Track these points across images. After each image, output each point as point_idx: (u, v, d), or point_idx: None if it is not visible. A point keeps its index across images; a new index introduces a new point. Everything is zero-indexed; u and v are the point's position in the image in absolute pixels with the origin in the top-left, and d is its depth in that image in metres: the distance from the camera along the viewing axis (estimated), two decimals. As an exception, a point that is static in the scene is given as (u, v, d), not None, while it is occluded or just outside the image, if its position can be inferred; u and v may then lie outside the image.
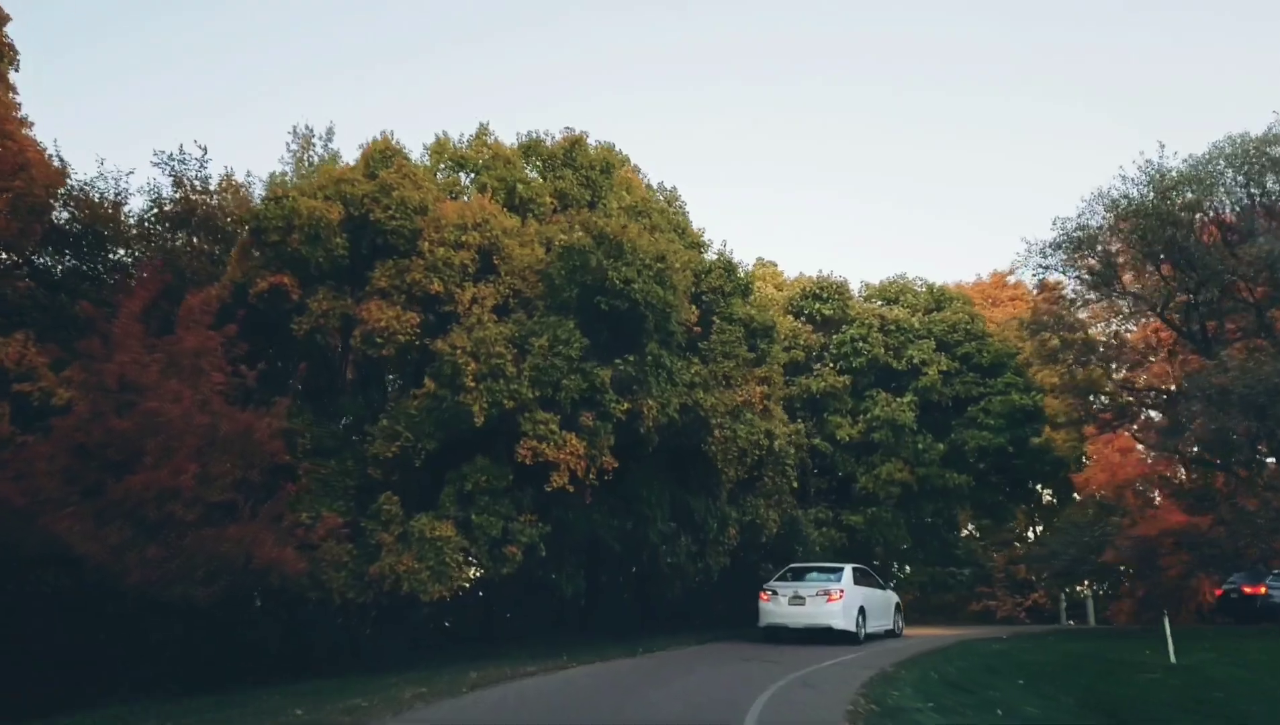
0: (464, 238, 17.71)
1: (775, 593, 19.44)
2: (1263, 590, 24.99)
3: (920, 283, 32.54)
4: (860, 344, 29.77)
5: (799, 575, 20.29)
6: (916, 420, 29.65)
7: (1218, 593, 26.56)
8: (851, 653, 17.51)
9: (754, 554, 26.53)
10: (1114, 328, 28.93)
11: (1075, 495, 41.13)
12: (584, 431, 16.84)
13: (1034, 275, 27.54)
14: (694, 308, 19.74)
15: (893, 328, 30.23)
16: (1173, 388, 27.03)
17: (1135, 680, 13.78)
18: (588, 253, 17.18)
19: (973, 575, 34.62)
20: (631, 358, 17.44)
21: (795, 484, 26.06)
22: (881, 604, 21.50)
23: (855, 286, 32.32)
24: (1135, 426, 29.07)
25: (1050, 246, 26.64)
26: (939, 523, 33.52)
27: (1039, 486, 33.45)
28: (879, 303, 32.04)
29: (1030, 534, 39.75)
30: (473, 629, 23.69)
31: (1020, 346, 30.88)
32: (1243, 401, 20.50)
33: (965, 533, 37.28)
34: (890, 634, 21.75)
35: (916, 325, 30.59)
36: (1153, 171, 24.90)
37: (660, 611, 25.17)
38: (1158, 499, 30.63)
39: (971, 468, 31.37)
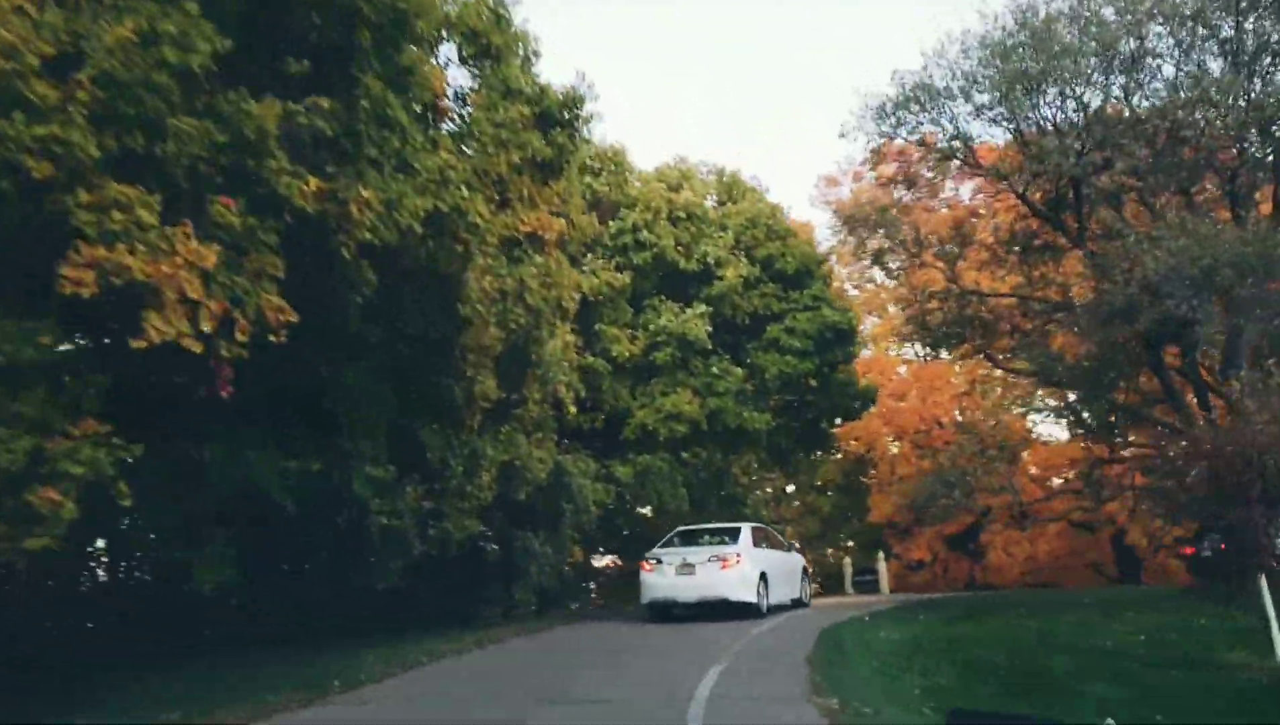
0: None
1: (659, 561, 16.73)
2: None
3: (707, 169, 25.53)
4: (644, 234, 22.27)
5: (688, 539, 17.77)
6: (710, 338, 22.73)
7: (1187, 551, 20.97)
8: (755, 629, 14.28)
9: (510, 513, 18.32)
10: (968, 218, 23.34)
11: (839, 451, 36.57)
12: (217, 231, 7.91)
13: (868, 144, 21.25)
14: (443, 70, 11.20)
15: (683, 216, 22.95)
16: (1039, 296, 21.71)
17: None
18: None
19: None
20: (330, 101, 8.65)
21: (573, 410, 18.24)
22: (786, 569, 18.60)
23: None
24: (992, 349, 23.51)
25: (890, 106, 20.42)
26: (724, 477, 26.98)
27: (838, 426, 27.78)
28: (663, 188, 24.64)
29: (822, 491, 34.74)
30: None
31: (837, 250, 24.78)
32: (1199, 280, 14.91)
33: (753, 488, 30.93)
34: (798, 604, 18.96)
35: (712, 215, 23.53)
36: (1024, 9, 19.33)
37: (370, 607, 16.28)
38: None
39: (770, 403, 25.01)
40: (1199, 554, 16.98)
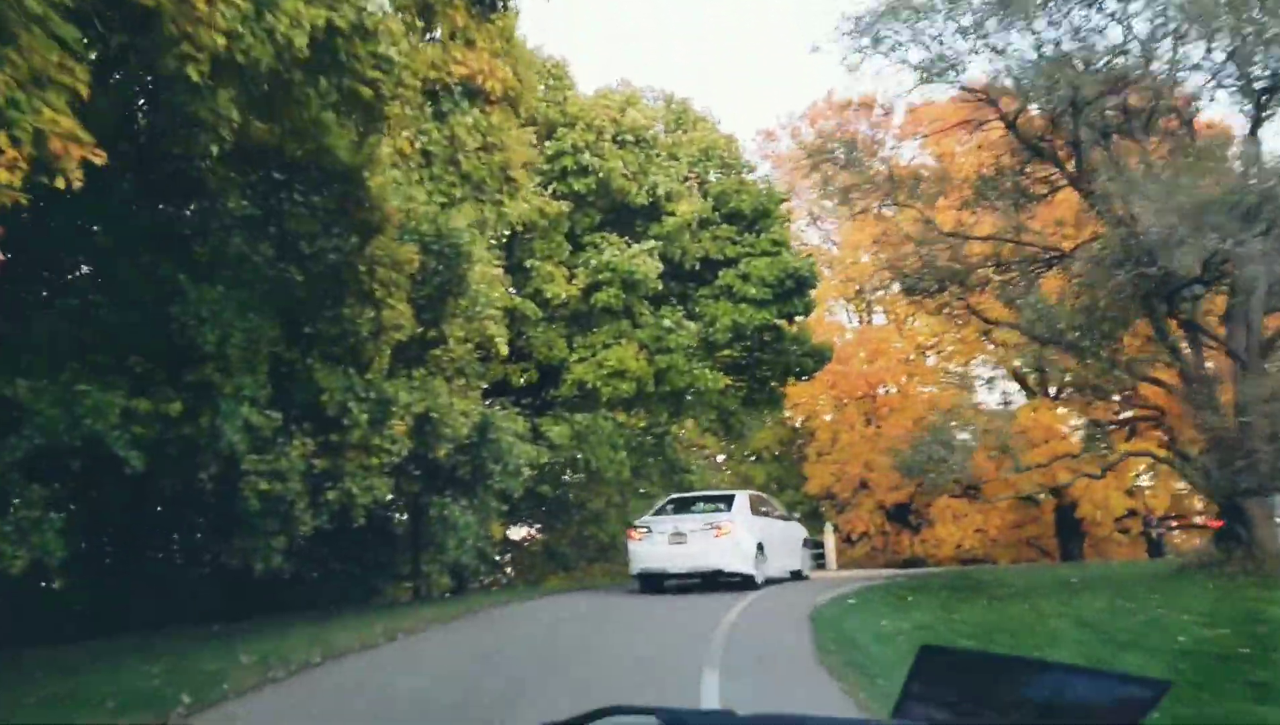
0: None
1: (649, 529, 15.87)
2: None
3: (654, 94, 22.58)
4: (586, 157, 19.27)
5: (681, 507, 17.00)
6: (660, 282, 19.97)
7: (1213, 524, 18.66)
8: (731, 614, 12.20)
9: (426, 475, 15.38)
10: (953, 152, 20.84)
11: (788, 414, 34.27)
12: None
13: (843, 59, 18.52)
14: None
15: (630, 139, 20.00)
16: (1030, 241, 19.33)
17: None
18: None
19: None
20: None
21: (504, 351, 15.36)
22: (785, 539, 17.61)
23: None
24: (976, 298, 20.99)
25: (868, 20, 17.76)
26: (665, 441, 24.34)
27: (788, 386, 25.31)
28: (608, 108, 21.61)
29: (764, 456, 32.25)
30: None
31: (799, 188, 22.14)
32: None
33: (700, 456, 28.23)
34: (797, 576, 18.11)
35: (662, 142, 20.65)
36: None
37: (251, 588, 13.19)
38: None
39: (719, 358, 22.46)
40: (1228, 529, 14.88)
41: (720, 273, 21.40)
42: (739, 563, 15.35)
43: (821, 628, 11.03)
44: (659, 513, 16.74)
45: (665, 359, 19.78)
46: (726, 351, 23.30)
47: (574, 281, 19.54)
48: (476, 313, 14.76)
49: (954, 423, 15.63)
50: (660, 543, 15.52)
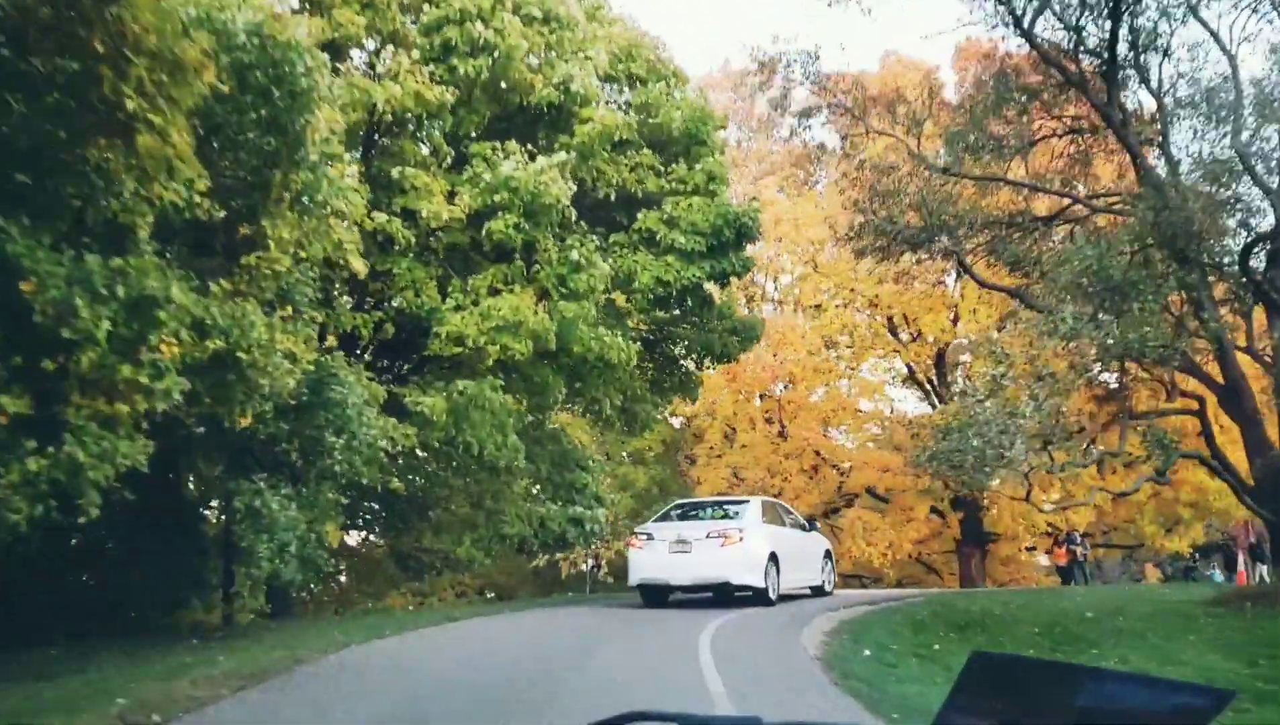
0: None
1: (650, 537, 14.32)
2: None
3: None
4: (478, 29, 14.20)
5: (687, 513, 15.58)
6: (569, 212, 15.16)
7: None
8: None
9: (228, 447, 10.23)
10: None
11: (676, 416, 29.86)
12: None
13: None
14: None
15: (537, 14, 15.01)
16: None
17: None
18: None
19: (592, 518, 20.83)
20: None
21: (363, 271, 10.38)
22: (802, 551, 15.89)
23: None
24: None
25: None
26: (564, 434, 19.56)
27: (705, 369, 20.80)
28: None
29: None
30: None
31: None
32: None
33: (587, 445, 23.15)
34: (818, 592, 16.45)
35: (579, 19, 15.74)
36: None
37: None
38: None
39: (634, 327, 17.90)
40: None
41: (640, 215, 16.77)
42: (749, 575, 13.94)
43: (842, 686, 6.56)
44: (662, 519, 15.53)
45: (571, 308, 14.97)
46: (639, 319, 18.74)
47: (456, 202, 14.52)
48: (318, 203, 9.64)
49: (1016, 393, 11.34)
50: (662, 551, 14.15)
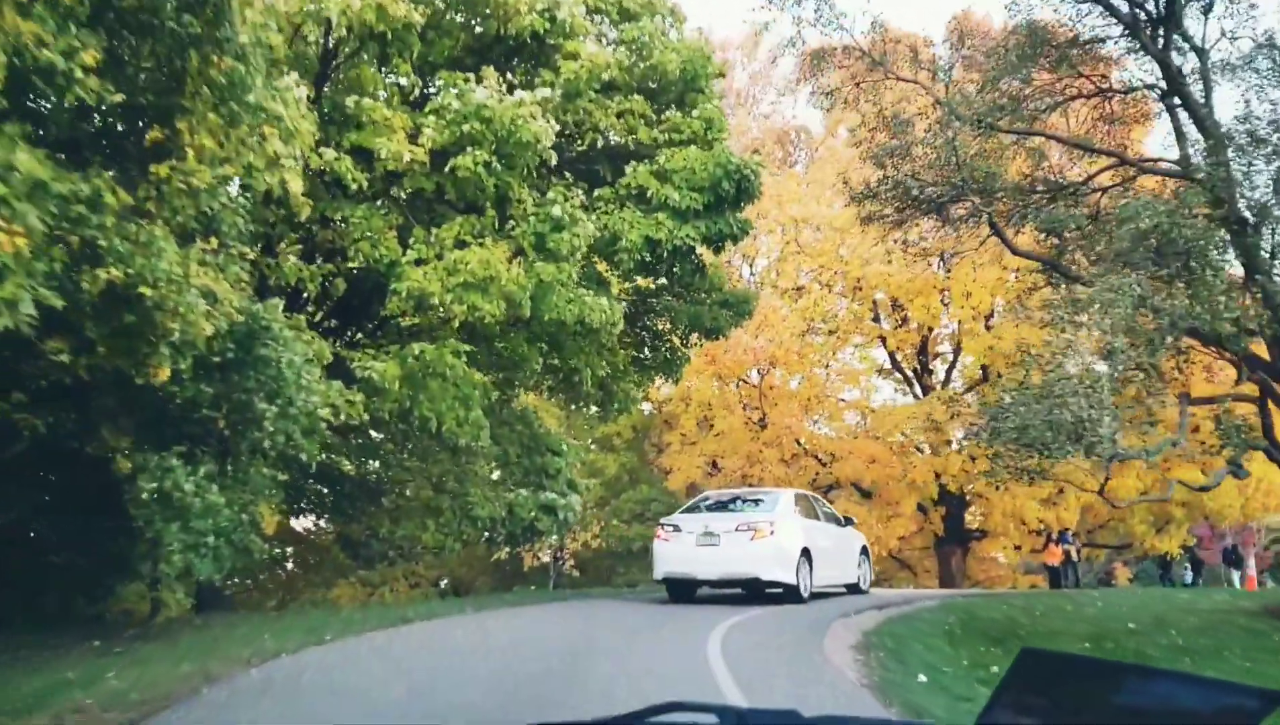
0: None
1: (677, 528, 13.74)
2: None
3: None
4: (453, -63, 12.23)
5: (717, 506, 14.83)
6: (548, 161, 13.26)
7: None
8: None
9: (140, 420, 8.23)
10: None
11: (647, 403, 28.04)
12: None
13: None
14: None
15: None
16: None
17: None
18: None
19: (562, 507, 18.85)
20: None
21: (301, 194, 8.41)
22: (837, 547, 15.08)
23: None
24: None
25: None
26: (532, 415, 17.71)
27: (691, 345, 18.93)
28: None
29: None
30: None
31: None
32: None
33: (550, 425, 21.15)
34: (854, 590, 15.52)
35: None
36: None
37: None
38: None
39: (619, 294, 16.09)
40: None
41: (629, 168, 14.90)
42: (779, 571, 13.31)
43: None
44: (690, 510, 14.88)
45: (549, 270, 13.08)
46: (623, 287, 16.92)
47: (420, 139, 12.56)
48: (250, 107, 7.66)
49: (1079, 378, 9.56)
50: (689, 544, 13.56)
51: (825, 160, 30.76)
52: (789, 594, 13.27)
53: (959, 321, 28.08)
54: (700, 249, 16.04)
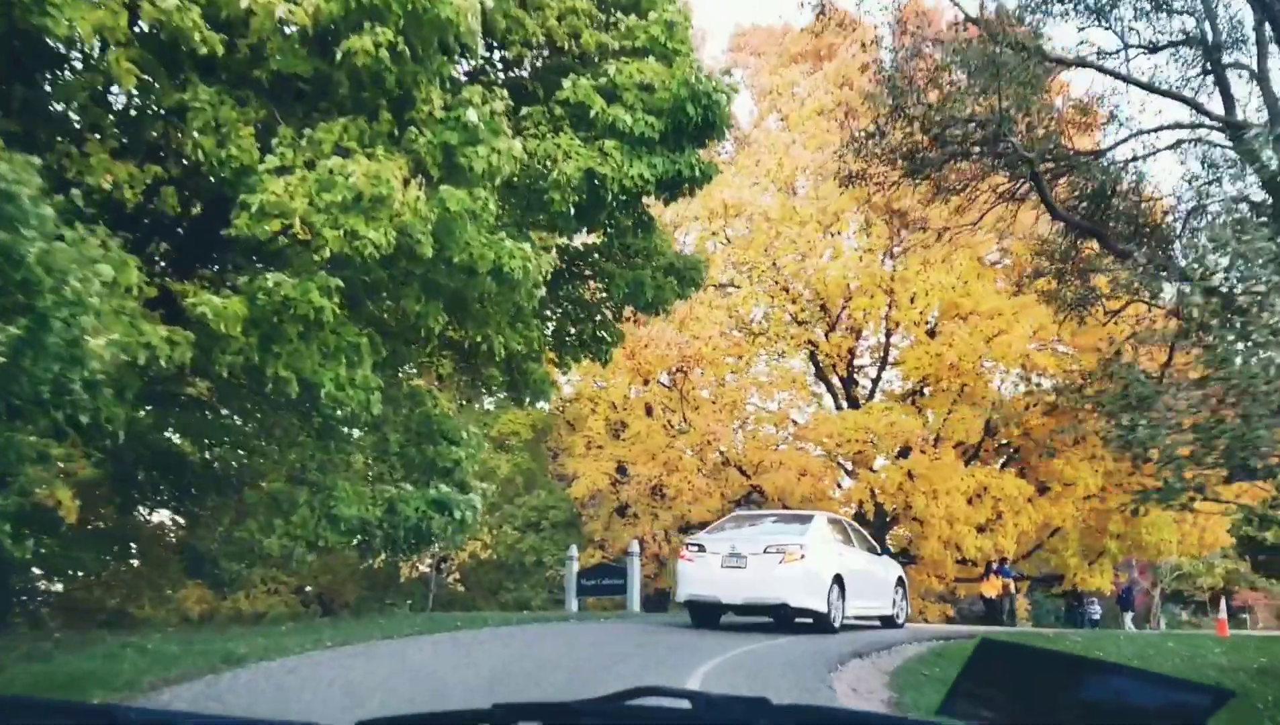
0: None
1: (701, 549, 13.22)
2: None
3: None
4: None
5: (745, 525, 14.39)
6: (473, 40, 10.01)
7: None
8: None
9: None
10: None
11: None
12: None
13: None
14: None
15: None
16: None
17: None
18: None
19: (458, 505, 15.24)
20: None
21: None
22: (871, 576, 14.54)
23: None
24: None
25: None
26: (423, 394, 14.34)
27: (626, 320, 15.76)
28: None
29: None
30: None
31: None
32: None
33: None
34: (888, 623, 14.81)
35: None
36: None
37: None
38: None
39: (542, 242, 12.86)
40: None
41: (566, 80, 11.71)
42: (809, 598, 12.74)
43: None
44: (717, 530, 14.61)
45: (458, 197, 9.80)
46: (544, 237, 13.71)
47: (300, 3, 9.14)
48: None
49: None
50: (713, 566, 13.01)
51: (758, 147, 28.12)
52: (819, 623, 12.62)
53: (899, 324, 25.67)
54: (648, 201, 13.09)
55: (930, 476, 22.71)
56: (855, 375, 29.11)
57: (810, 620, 12.70)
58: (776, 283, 26.53)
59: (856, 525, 16.45)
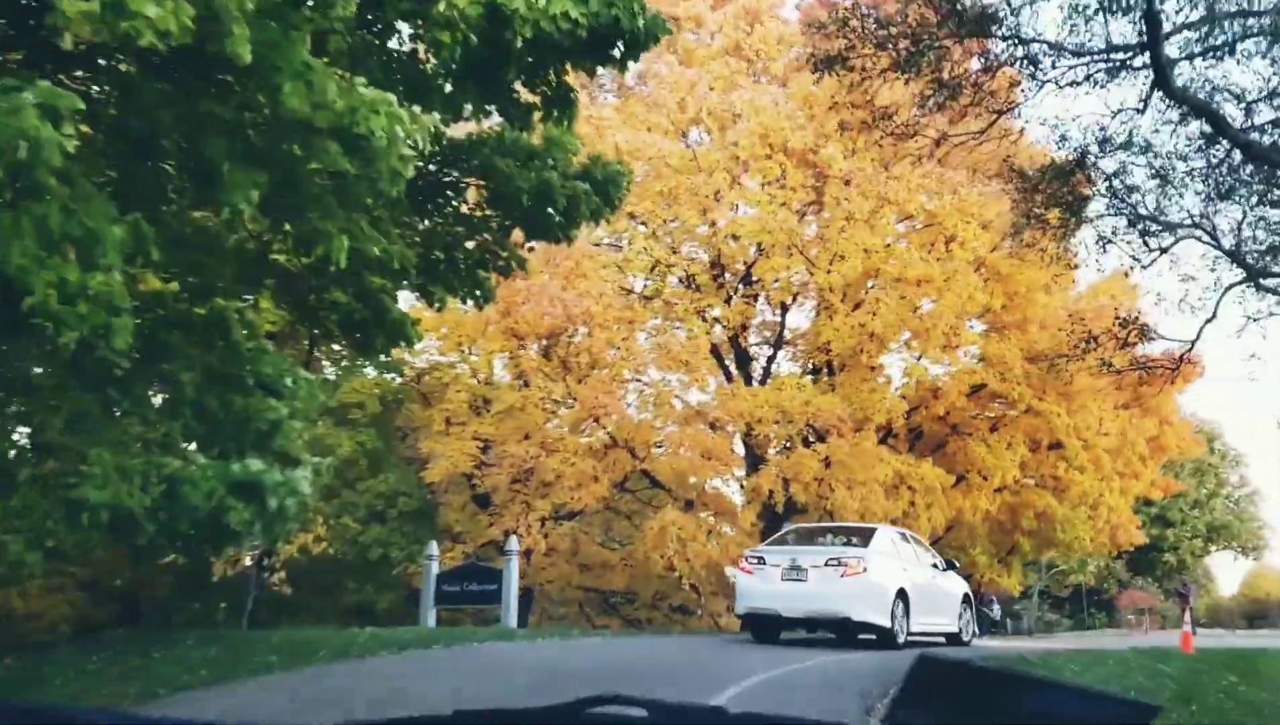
0: None
1: (761, 561, 13.11)
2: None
3: None
4: None
5: (805, 538, 14.39)
6: None
7: None
8: None
9: None
10: None
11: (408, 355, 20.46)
12: None
13: None
14: None
15: None
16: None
17: None
18: None
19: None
20: None
21: None
22: (937, 592, 14.09)
23: None
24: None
25: None
26: (235, 320, 9.94)
27: (528, 249, 11.92)
28: None
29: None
30: None
31: None
32: None
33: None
34: (954, 640, 14.30)
35: None
36: None
37: None
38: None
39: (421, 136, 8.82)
40: None
41: None
42: (872, 612, 12.26)
43: None
44: (777, 542, 14.31)
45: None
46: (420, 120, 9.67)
47: None
48: None
49: None
50: (773, 578, 12.73)
51: (658, 84, 24.62)
52: (882, 638, 12.37)
53: (814, 289, 22.63)
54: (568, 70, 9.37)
55: (850, 464, 19.78)
56: (749, 349, 26.04)
57: (874, 636, 12.37)
58: (673, 239, 23.19)
59: (921, 539, 15.88)
